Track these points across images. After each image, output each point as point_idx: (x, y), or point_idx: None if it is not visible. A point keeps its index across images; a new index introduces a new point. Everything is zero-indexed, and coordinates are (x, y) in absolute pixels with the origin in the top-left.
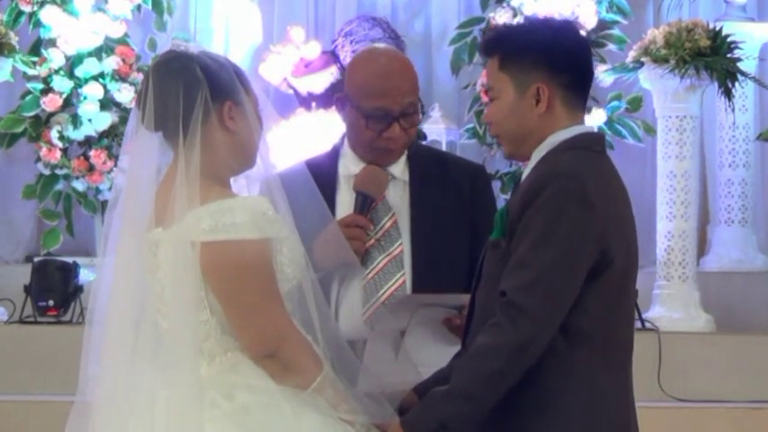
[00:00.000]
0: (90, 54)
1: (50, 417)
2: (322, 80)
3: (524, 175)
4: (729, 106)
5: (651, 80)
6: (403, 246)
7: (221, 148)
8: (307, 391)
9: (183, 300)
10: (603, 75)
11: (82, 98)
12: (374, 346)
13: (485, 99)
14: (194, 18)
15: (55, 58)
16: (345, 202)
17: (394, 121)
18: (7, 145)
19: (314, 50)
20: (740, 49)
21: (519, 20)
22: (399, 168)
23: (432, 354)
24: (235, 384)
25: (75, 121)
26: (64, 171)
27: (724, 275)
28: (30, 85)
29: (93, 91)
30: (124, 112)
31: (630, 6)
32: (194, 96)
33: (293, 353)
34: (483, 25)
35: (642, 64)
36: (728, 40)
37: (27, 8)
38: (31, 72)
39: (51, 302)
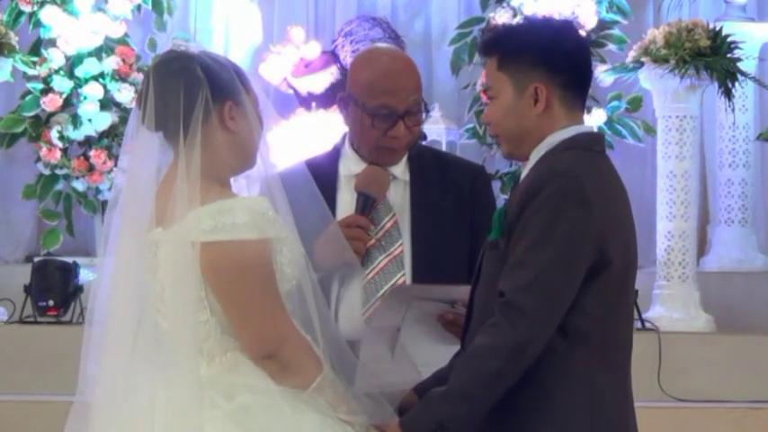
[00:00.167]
0: (90, 54)
1: (50, 417)
2: (322, 80)
3: (523, 175)
4: (729, 106)
5: (651, 80)
6: (403, 246)
7: (222, 148)
8: (306, 391)
9: (183, 300)
10: (603, 75)
11: (82, 98)
12: (370, 344)
13: (485, 99)
14: (194, 18)
15: (55, 58)
16: (346, 202)
17: (399, 119)
18: (7, 145)
19: (314, 50)
20: (740, 49)
21: (519, 20)
22: (400, 168)
23: (427, 352)
24: (234, 384)
25: (75, 121)
26: (64, 171)
27: (724, 275)
28: (30, 85)
29: (93, 91)
30: (124, 112)
31: (630, 6)
32: (195, 96)
33: (293, 353)
34: (483, 25)
35: (642, 64)
36: (728, 40)
37: (27, 8)
38: (31, 72)
39: (51, 302)
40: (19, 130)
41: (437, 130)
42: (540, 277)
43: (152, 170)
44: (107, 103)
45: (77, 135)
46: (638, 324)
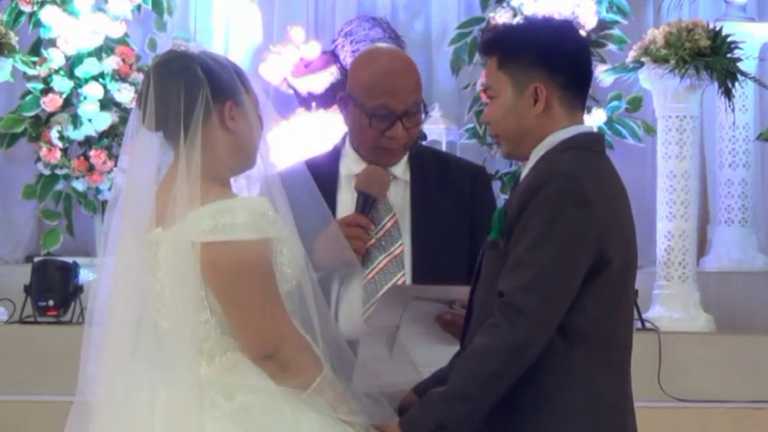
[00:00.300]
0: (90, 54)
1: (50, 417)
2: (322, 80)
3: (523, 175)
4: (729, 106)
5: (651, 80)
6: (403, 246)
7: (222, 148)
8: (306, 391)
9: (183, 300)
10: (603, 75)
11: (82, 98)
12: (369, 344)
13: (484, 99)
14: (194, 18)
15: (55, 58)
16: (346, 202)
17: (397, 120)
18: (7, 145)
19: (314, 50)
20: (740, 49)
21: (519, 20)
22: (400, 168)
23: (425, 352)
24: (234, 385)
25: (75, 121)
26: (64, 171)
27: (724, 275)
28: (30, 85)
29: (93, 91)
30: (124, 112)
31: (630, 6)
32: (195, 96)
33: (293, 353)
34: (483, 25)
35: (642, 64)
36: (728, 40)
37: (27, 8)
38: (31, 72)
39: (51, 302)
40: (19, 130)
41: (437, 130)
42: (540, 277)
43: (152, 170)
44: (107, 103)
45: (77, 135)
46: (638, 324)
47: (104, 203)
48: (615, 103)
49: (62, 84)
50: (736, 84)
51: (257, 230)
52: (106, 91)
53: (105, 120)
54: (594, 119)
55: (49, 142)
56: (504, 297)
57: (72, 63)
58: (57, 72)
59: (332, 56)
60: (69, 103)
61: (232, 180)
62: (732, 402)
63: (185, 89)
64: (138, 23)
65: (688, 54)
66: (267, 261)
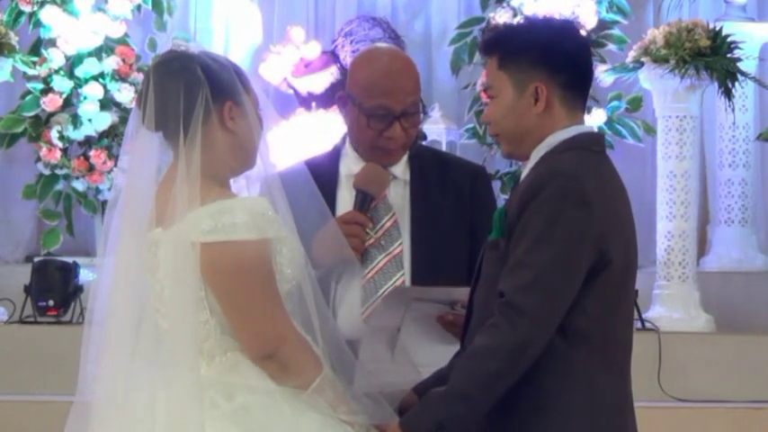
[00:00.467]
0: (90, 54)
1: (50, 417)
2: (322, 80)
3: (523, 175)
4: (729, 106)
5: (651, 80)
6: (403, 245)
7: (221, 148)
8: (306, 391)
9: (183, 300)
10: (603, 75)
11: (82, 98)
12: (370, 344)
13: (485, 99)
14: (194, 18)
15: (55, 58)
16: (346, 202)
17: (395, 120)
18: (7, 145)
19: (314, 50)
20: (740, 49)
21: (519, 20)
22: (400, 168)
23: (426, 353)
24: (234, 385)
25: (75, 121)
26: (64, 171)
27: (724, 275)
28: (30, 85)
29: (93, 91)
30: (124, 112)
31: (630, 6)
32: (195, 96)
33: (292, 353)
34: (483, 25)
35: (642, 64)
36: (728, 40)
37: (27, 8)
38: (31, 72)
39: (51, 302)
40: (19, 130)
41: (437, 130)
42: (541, 277)
43: (152, 170)
44: (107, 103)
45: (77, 135)
46: (638, 324)
47: (104, 203)
48: (615, 103)
49: (62, 84)
50: (736, 84)
51: (257, 230)
52: (106, 91)
53: (105, 120)
54: (594, 119)
55: (49, 142)
56: (504, 297)
57: (72, 63)
58: (57, 72)
59: (332, 56)
60: (69, 103)
61: (232, 181)
62: (732, 402)
63: (185, 89)
64: (138, 23)
65: (688, 54)
66: (267, 261)
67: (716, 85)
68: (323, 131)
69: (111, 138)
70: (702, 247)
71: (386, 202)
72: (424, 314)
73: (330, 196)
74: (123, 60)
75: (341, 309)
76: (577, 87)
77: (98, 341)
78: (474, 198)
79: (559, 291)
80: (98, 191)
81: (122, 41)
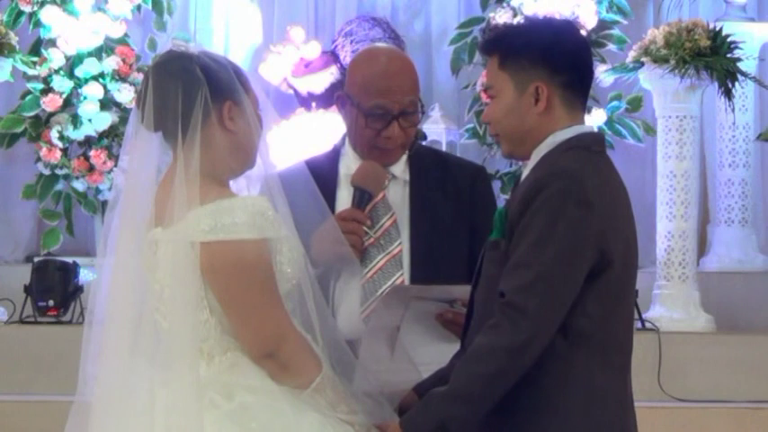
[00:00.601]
0: (90, 54)
1: (50, 417)
2: (322, 80)
3: (524, 175)
4: (729, 106)
5: (651, 80)
6: (402, 245)
7: (221, 148)
8: (306, 391)
9: (183, 299)
10: (603, 75)
11: (82, 98)
12: (369, 343)
13: (485, 99)
14: (194, 18)
15: (55, 58)
16: (345, 202)
17: (393, 119)
18: (7, 145)
19: (314, 50)
20: (740, 49)
21: (519, 20)
22: (400, 168)
23: (426, 351)
24: (234, 384)
25: (75, 121)
26: (64, 171)
27: (724, 275)
28: (30, 85)
29: (93, 91)
30: (124, 112)
31: (630, 6)
32: (194, 96)
33: (292, 353)
34: (483, 25)
35: (642, 64)
36: (728, 40)
37: (27, 8)
38: (31, 72)
39: (51, 302)
40: (19, 130)
41: (437, 130)
42: (541, 278)
43: (151, 170)
44: (107, 103)
45: (77, 135)
46: (638, 324)
47: (104, 203)
48: (615, 103)
49: (62, 84)
50: (736, 84)
51: (257, 230)
52: (106, 91)
53: (105, 120)
54: (594, 119)
55: (49, 142)
56: (505, 297)
57: (72, 63)
58: (57, 72)
59: (332, 56)
60: (69, 103)
61: (232, 181)
62: (732, 402)
63: (184, 89)
64: (138, 23)
65: (688, 54)
66: (267, 261)
67: (716, 85)
68: (323, 131)
69: (111, 138)
70: (702, 247)
71: (385, 201)
72: (423, 313)
73: (329, 196)
74: (123, 60)
75: (340, 308)
76: (578, 87)
77: (98, 341)
78: (474, 198)
79: (560, 291)
80: (98, 191)
81: (122, 41)
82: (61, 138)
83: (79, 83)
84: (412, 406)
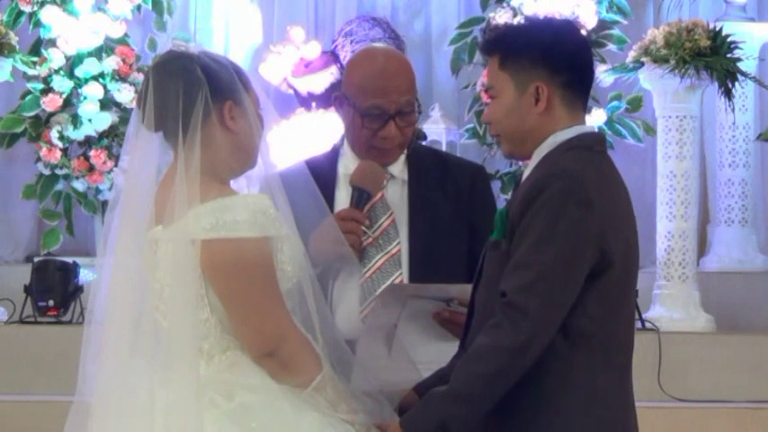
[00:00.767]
0: (90, 54)
1: (50, 417)
2: (322, 80)
3: (525, 176)
4: (729, 106)
5: (651, 80)
6: (401, 245)
7: (222, 147)
8: (306, 390)
9: (183, 298)
10: (603, 75)
11: (82, 98)
12: (367, 342)
13: (485, 99)
14: (194, 18)
15: (55, 58)
16: (344, 201)
17: (390, 119)
18: (7, 145)
19: (314, 50)
20: (740, 49)
21: (519, 20)
22: (398, 167)
23: (424, 350)
24: (234, 384)
25: (75, 121)
26: (64, 171)
27: (724, 275)
28: (30, 85)
29: (93, 91)
30: (124, 112)
31: (630, 6)
32: (194, 96)
33: (293, 351)
34: (483, 25)
35: (642, 64)
36: (728, 40)
37: (27, 8)
38: (31, 72)
39: (51, 302)
40: (19, 130)
41: (437, 130)
42: (542, 278)
43: (152, 170)
44: (107, 103)
45: (77, 135)
46: (638, 324)
47: (104, 203)
48: (615, 103)
49: (62, 84)
50: (736, 84)
51: (258, 228)
52: (106, 91)
53: (105, 120)
54: (594, 119)
55: (49, 142)
56: (505, 297)
57: (72, 63)
58: (57, 72)
59: (332, 56)
60: (69, 103)
61: (232, 182)
62: (732, 402)
63: (184, 89)
64: (138, 23)
65: (688, 54)
66: (268, 259)
67: (716, 85)
68: (323, 131)
69: (111, 138)
70: (702, 247)
71: (384, 201)
72: (420, 311)
73: (328, 196)
74: (123, 60)
75: (339, 307)
76: (578, 87)
77: (98, 341)
78: (473, 197)
79: (561, 291)
80: (98, 191)
81: (122, 41)
82: (61, 138)
83: (79, 83)
84: (412, 406)
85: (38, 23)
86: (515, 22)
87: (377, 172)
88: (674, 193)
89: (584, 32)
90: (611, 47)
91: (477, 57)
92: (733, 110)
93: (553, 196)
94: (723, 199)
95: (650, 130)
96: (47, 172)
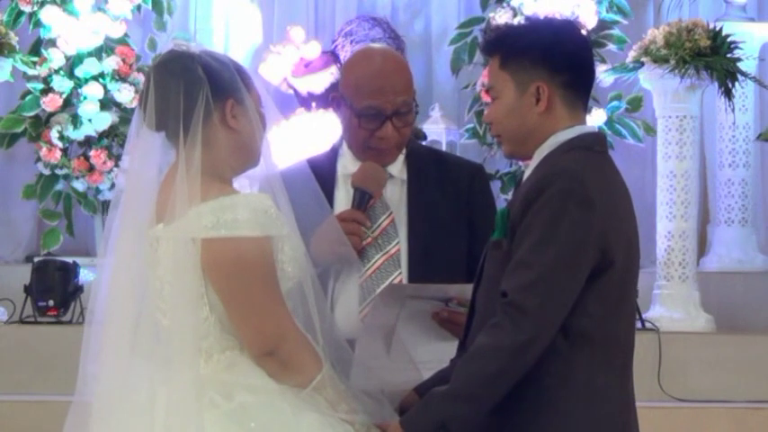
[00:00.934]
0: (90, 54)
1: (50, 417)
2: (322, 80)
3: (526, 176)
4: (729, 106)
5: (651, 80)
6: (400, 244)
7: (223, 146)
8: (306, 389)
9: (184, 296)
10: (603, 75)
11: (82, 98)
12: (365, 341)
13: (485, 99)
14: (194, 18)
15: (55, 58)
16: (343, 201)
17: (386, 120)
18: (7, 145)
19: (314, 50)
20: (740, 49)
21: (519, 20)
22: (397, 167)
23: (423, 350)
24: (234, 384)
25: (75, 121)
26: (64, 171)
27: (724, 275)
28: (30, 85)
29: (93, 91)
30: (124, 113)
31: (630, 6)
32: (195, 95)
33: (293, 351)
34: (483, 25)
35: (642, 64)
36: (728, 40)
37: (27, 8)
38: (31, 72)
39: (51, 302)
40: (19, 130)
41: (437, 130)
42: (543, 277)
43: (153, 170)
44: (107, 103)
45: (77, 135)
46: (638, 324)
47: (104, 203)
48: (615, 103)
49: (62, 84)
50: (737, 84)
51: (259, 228)
52: (106, 91)
53: (105, 120)
54: (594, 119)
55: (49, 142)
56: (506, 297)
57: (72, 63)
58: (57, 72)
59: (332, 56)
60: (69, 103)
61: (234, 181)
62: (732, 402)
63: (185, 88)
64: (138, 23)
65: (688, 54)
66: (269, 258)
67: (716, 85)
68: (323, 131)
69: (111, 138)
70: (702, 247)
71: (383, 201)
72: (419, 311)
73: (327, 196)
74: (123, 60)
75: (338, 307)
76: (579, 87)
77: (98, 340)
78: (472, 197)
79: (562, 291)
80: (98, 191)
81: (122, 41)
82: (61, 138)
83: (79, 83)
84: (413, 406)
85: (38, 23)
86: (515, 22)
87: (379, 173)
88: (674, 193)
89: (584, 32)
90: (611, 47)
91: (478, 57)
92: (733, 110)
93: (554, 196)
94: (723, 199)
95: (650, 130)
96: (47, 172)
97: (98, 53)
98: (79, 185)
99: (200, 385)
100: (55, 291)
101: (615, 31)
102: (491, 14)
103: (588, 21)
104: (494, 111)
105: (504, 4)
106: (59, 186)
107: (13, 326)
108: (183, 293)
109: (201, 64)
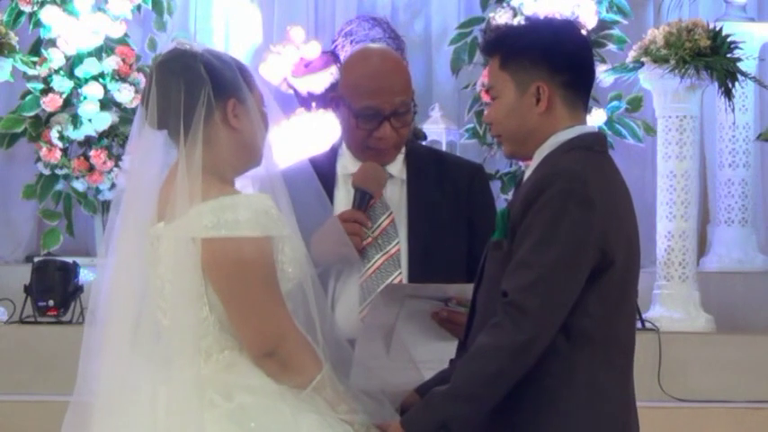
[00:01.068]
0: (90, 54)
1: (50, 417)
2: (322, 80)
3: (526, 176)
4: (729, 106)
5: (651, 80)
6: (400, 244)
7: (225, 146)
8: (305, 390)
9: (184, 296)
10: (603, 75)
11: (82, 98)
12: (365, 341)
13: (485, 99)
14: (194, 18)
15: (55, 58)
16: (342, 201)
17: (384, 120)
18: (7, 145)
19: (314, 50)
20: (740, 49)
21: (519, 20)
22: (397, 167)
23: (422, 349)
24: (233, 384)
25: (76, 121)
26: (64, 171)
27: (724, 275)
28: (30, 85)
29: (93, 91)
30: (124, 113)
31: (630, 6)
32: (197, 94)
33: (293, 351)
34: (483, 25)
35: (642, 64)
36: (728, 40)
37: (27, 8)
38: (31, 72)
39: (51, 302)
40: (19, 130)
41: (437, 130)
42: (543, 277)
43: (155, 168)
44: (107, 103)
45: (77, 135)
46: (638, 324)
47: (104, 203)
48: (615, 103)
49: (62, 84)
50: (736, 84)
51: (260, 228)
52: (106, 91)
53: (105, 120)
54: (594, 119)
55: (49, 142)
56: (507, 297)
57: (72, 63)
58: (57, 72)
59: (332, 56)
60: (69, 103)
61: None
62: (732, 402)
63: (186, 87)
64: (138, 23)
65: (688, 54)
66: (269, 259)
67: (716, 85)
68: (323, 131)
69: (111, 138)
70: (702, 247)
71: (383, 201)
72: (418, 311)
73: (327, 195)
74: (123, 60)
75: (338, 307)
76: (579, 87)
77: (98, 340)
78: (472, 197)
79: (562, 291)
80: (98, 191)
81: (122, 41)
82: (61, 138)
83: (79, 83)
84: (413, 406)
85: (38, 23)
86: (515, 22)
87: (379, 173)
88: (674, 193)
89: (584, 32)
90: (611, 47)
91: (478, 57)
92: (733, 110)
93: (554, 196)
94: (723, 199)
95: (650, 130)
96: (47, 172)
97: (98, 53)
98: (79, 185)
99: (201, 384)
100: (55, 291)
101: (615, 31)
102: (491, 14)
103: (588, 21)
104: (494, 111)
105: (504, 4)
106: (59, 186)
107: (13, 326)
108: (183, 293)
109: (203, 63)
